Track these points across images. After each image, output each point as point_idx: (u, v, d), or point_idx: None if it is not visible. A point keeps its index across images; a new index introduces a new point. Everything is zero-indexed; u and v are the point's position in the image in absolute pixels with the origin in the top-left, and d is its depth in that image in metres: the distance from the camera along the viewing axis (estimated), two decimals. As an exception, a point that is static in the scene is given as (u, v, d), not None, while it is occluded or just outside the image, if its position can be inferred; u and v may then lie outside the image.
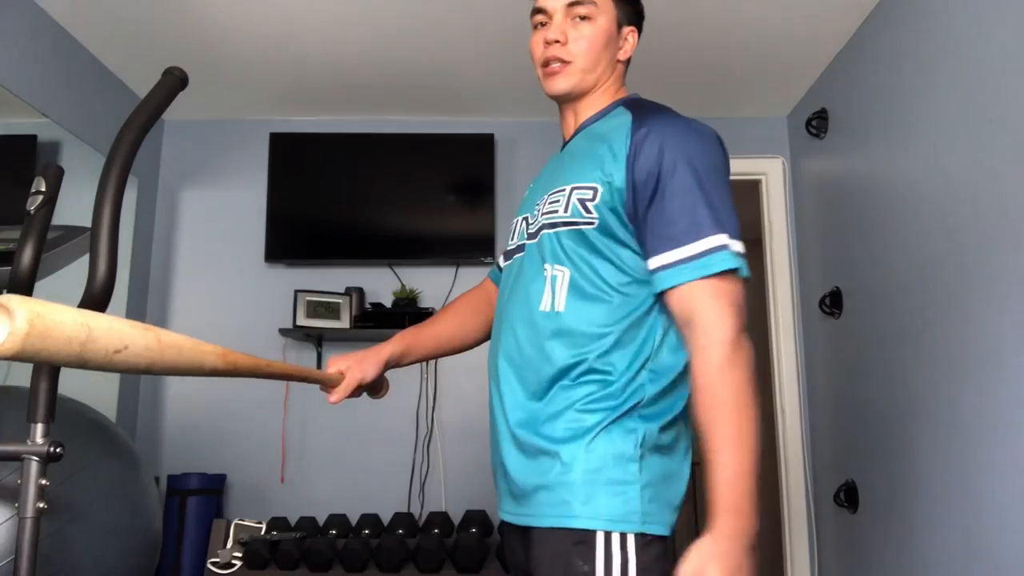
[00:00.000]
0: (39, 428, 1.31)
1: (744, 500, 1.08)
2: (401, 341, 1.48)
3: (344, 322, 3.25)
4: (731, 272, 1.14)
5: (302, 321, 3.22)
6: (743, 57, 3.01)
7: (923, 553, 2.30)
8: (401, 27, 2.81)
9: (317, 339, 3.34)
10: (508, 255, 1.43)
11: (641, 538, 1.14)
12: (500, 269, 1.60)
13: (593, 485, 1.15)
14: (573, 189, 1.24)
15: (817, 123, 3.13)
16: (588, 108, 1.37)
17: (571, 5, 1.32)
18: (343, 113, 3.53)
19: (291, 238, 3.44)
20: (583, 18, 1.32)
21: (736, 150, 3.59)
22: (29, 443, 1.30)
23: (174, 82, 1.44)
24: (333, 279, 3.38)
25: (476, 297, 1.61)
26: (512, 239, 1.41)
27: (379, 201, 3.42)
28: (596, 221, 1.21)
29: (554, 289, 1.23)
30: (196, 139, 3.56)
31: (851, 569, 2.86)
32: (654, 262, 1.17)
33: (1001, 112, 1.96)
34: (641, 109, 1.29)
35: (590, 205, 1.21)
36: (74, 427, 1.87)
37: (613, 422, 1.17)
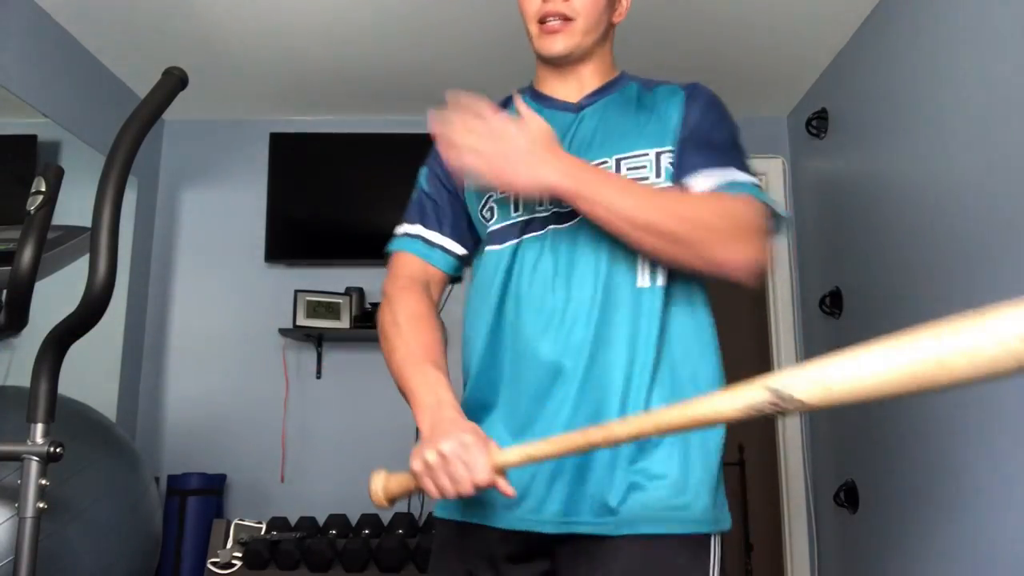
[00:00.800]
0: (39, 428, 1.31)
1: (578, 177, 1.05)
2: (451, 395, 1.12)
3: (344, 322, 3.25)
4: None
5: (302, 321, 3.22)
6: (743, 57, 3.01)
7: (923, 553, 2.30)
8: (401, 27, 2.81)
9: (317, 339, 3.34)
10: (525, 227, 1.18)
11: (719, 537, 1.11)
12: (430, 243, 1.28)
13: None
14: (659, 154, 1.16)
15: (817, 123, 3.13)
16: (594, 74, 1.28)
17: None
18: (343, 113, 3.53)
19: (291, 238, 3.44)
20: None
21: (736, 150, 3.58)
22: (29, 443, 1.30)
23: (174, 82, 1.44)
24: (333, 279, 3.38)
25: (429, 305, 1.24)
26: (517, 211, 1.19)
27: (379, 201, 3.42)
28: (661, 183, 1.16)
29: (653, 266, 1.12)
30: (196, 139, 3.56)
31: (851, 569, 2.86)
32: (711, 175, 1.13)
33: (1001, 111, 1.96)
34: (673, 83, 1.32)
35: (647, 172, 1.17)
36: (74, 427, 1.87)
37: None
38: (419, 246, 1.28)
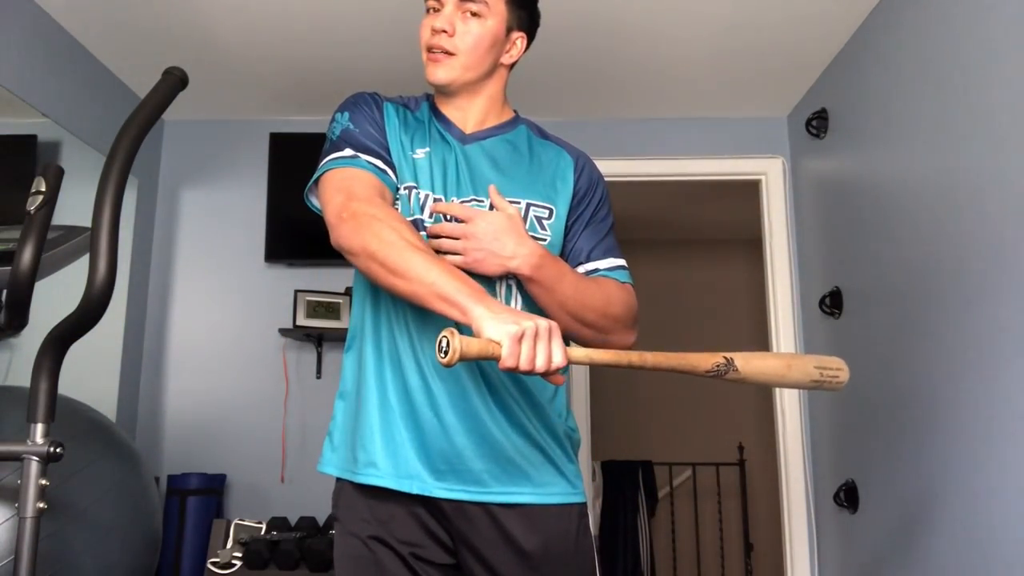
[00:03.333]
0: (39, 428, 1.31)
1: (538, 267, 1.27)
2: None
3: (344, 322, 3.25)
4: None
5: (302, 321, 3.22)
6: (743, 57, 3.01)
7: (923, 553, 2.30)
8: (401, 27, 2.81)
9: (317, 339, 3.34)
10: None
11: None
12: (382, 169, 1.31)
13: None
14: (530, 205, 1.35)
15: (817, 123, 3.13)
16: (480, 108, 1.41)
17: (465, 0, 1.34)
18: (343, 113, 3.52)
19: (291, 238, 3.44)
20: (473, 14, 1.35)
21: (736, 150, 3.61)
22: (29, 443, 1.30)
23: (174, 82, 1.44)
24: (333, 279, 3.38)
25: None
26: (424, 213, 1.32)
27: (379, 201, 3.41)
28: (549, 239, 1.35)
29: (522, 296, 1.32)
30: (196, 139, 3.56)
31: (851, 569, 2.86)
32: (610, 262, 1.41)
33: (1001, 112, 1.96)
34: (563, 143, 1.47)
35: (546, 224, 1.36)
36: (74, 427, 1.87)
37: None
38: (374, 168, 1.30)
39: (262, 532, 2.89)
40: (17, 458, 1.29)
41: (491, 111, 1.42)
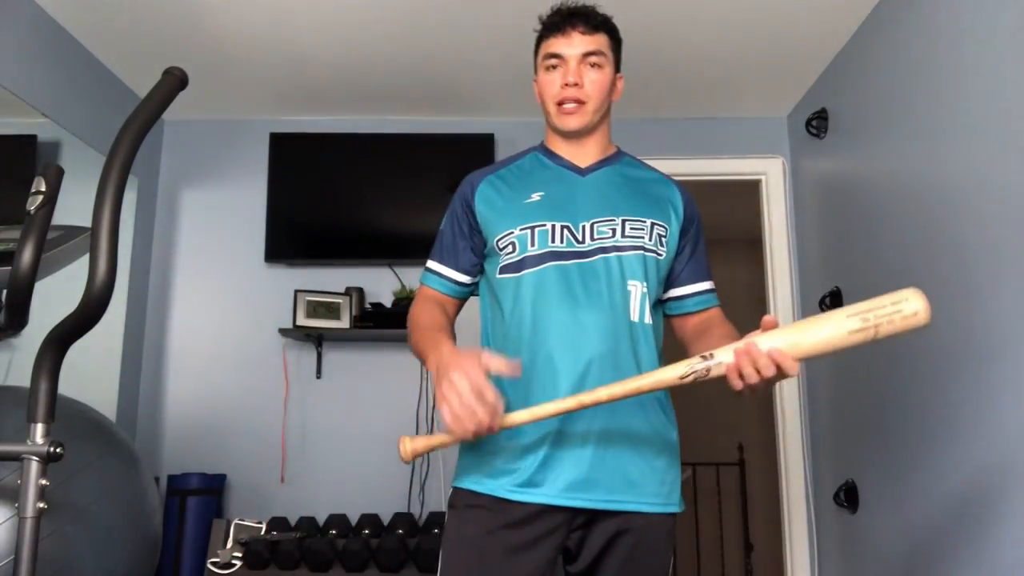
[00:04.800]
0: (39, 428, 1.31)
1: None
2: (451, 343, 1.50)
3: (344, 322, 3.25)
4: None
5: (302, 321, 3.22)
6: (743, 57, 3.01)
7: (923, 553, 2.30)
8: (401, 27, 2.81)
9: (317, 339, 3.34)
10: (555, 256, 1.48)
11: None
12: (446, 279, 1.60)
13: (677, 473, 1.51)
14: (653, 224, 1.53)
15: (817, 123, 3.13)
16: (595, 144, 1.61)
17: (587, 55, 1.53)
18: (343, 113, 3.53)
19: (291, 238, 3.44)
20: (594, 65, 1.54)
21: (736, 150, 3.61)
22: (29, 443, 1.30)
23: (174, 82, 1.44)
24: (333, 279, 3.38)
25: (443, 313, 1.60)
26: (552, 241, 1.49)
27: (379, 201, 3.42)
28: (664, 254, 1.53)
29: (642, 303, 1.48)
30: (196, 139, 3.56)
31: (851, 569, 2.86)
32: (704, 285, 1.61)
33: (1000, 111, 1.96)
34: (660, 172, 1.66)
35: (664, 240, 1.54)
36: (74, 427, 1.87)
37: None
38: (437, 282, 1.63)
39: (262, 532, 2.90)
40: (17, 458, 1.29)
41: (603, 146, 1.62)
